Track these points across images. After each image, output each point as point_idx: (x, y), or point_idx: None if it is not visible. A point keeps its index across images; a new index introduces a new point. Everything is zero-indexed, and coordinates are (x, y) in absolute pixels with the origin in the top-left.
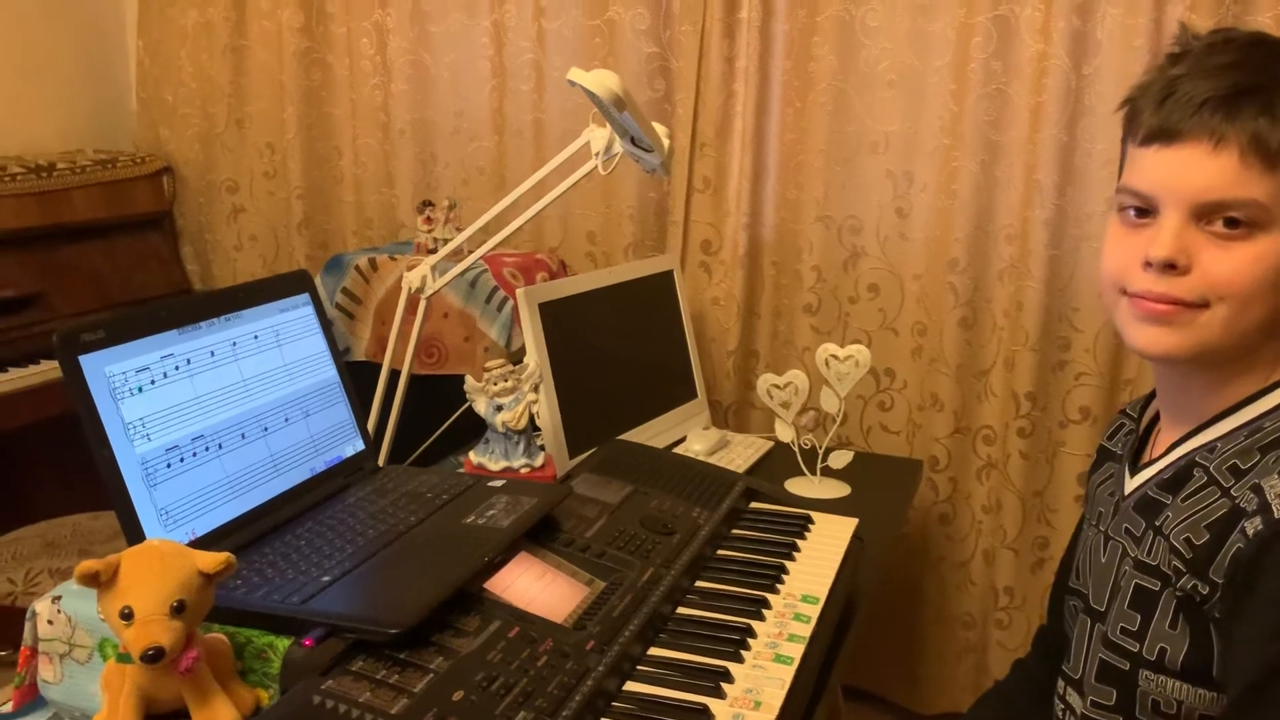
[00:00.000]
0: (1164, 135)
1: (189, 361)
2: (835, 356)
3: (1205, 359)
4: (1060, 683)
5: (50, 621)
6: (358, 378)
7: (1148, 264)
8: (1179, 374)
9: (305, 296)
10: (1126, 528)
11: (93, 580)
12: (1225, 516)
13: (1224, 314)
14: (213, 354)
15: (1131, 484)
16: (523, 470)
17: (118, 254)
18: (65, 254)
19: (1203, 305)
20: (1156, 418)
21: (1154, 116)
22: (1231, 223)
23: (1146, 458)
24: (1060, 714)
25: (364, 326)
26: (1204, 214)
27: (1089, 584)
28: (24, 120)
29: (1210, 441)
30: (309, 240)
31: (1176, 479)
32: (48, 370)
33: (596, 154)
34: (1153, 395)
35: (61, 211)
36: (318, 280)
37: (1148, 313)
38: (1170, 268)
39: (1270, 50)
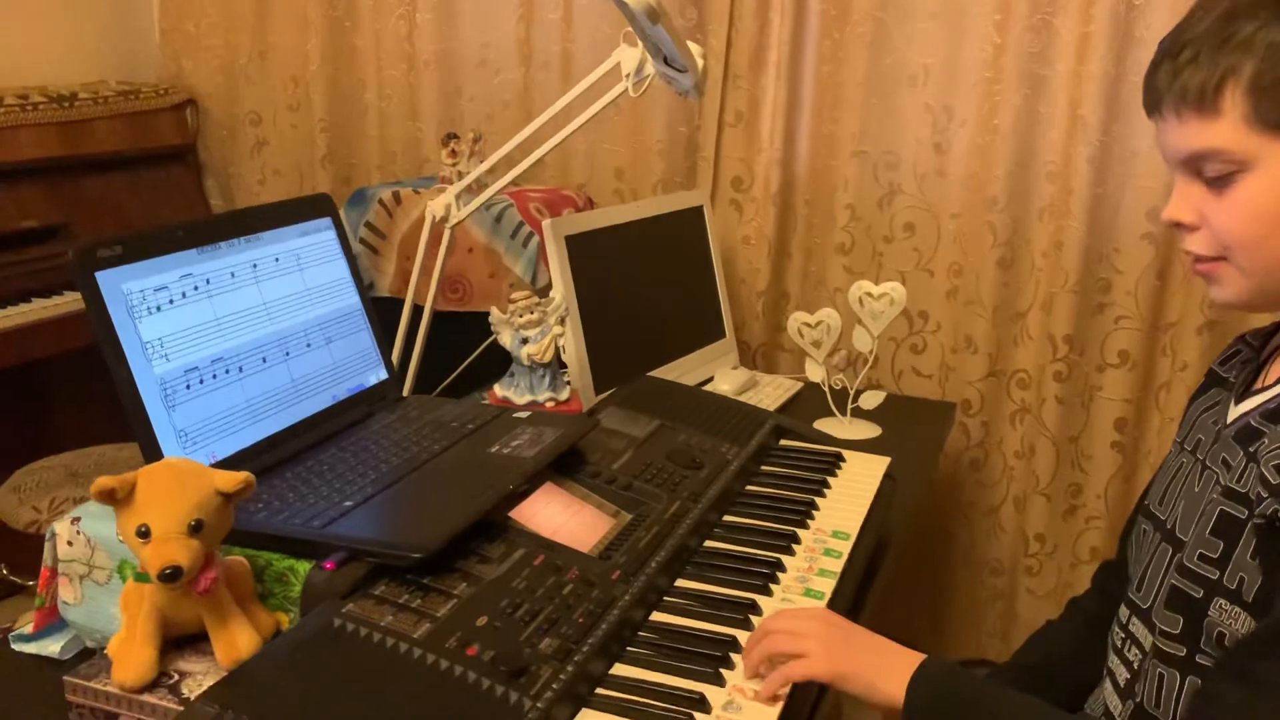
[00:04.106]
0: (1144, 106)
1: (208, 282)
2: (870, 294)
3: (1265, 306)
4: (1124, 610)
5: (70, 542)
6: (383, 314)
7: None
8: None
9: (327, 220)
10: (1224, 457)
11: (109, 497)
12: None
13: (1241, 261)
14: (233, 275)
15: (1235, 412)
16: (548, 404)
17: (141, 187)
18: (88, 186)
19: (1221, 258)
20: None
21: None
22: (1215, 174)
23: (1259, 385)
24: (1119, 644)
25: (388, 262)
26: (1193, 173)
27: (1176, 512)
28: (46, 52)
29: None
30: (333, 175)
31: None
32: (71, 301)
33: (627, 75)
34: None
35: (83, 142)
36: (340, 214)
37: (1193, 272)
38: (1179, 227)
39: None
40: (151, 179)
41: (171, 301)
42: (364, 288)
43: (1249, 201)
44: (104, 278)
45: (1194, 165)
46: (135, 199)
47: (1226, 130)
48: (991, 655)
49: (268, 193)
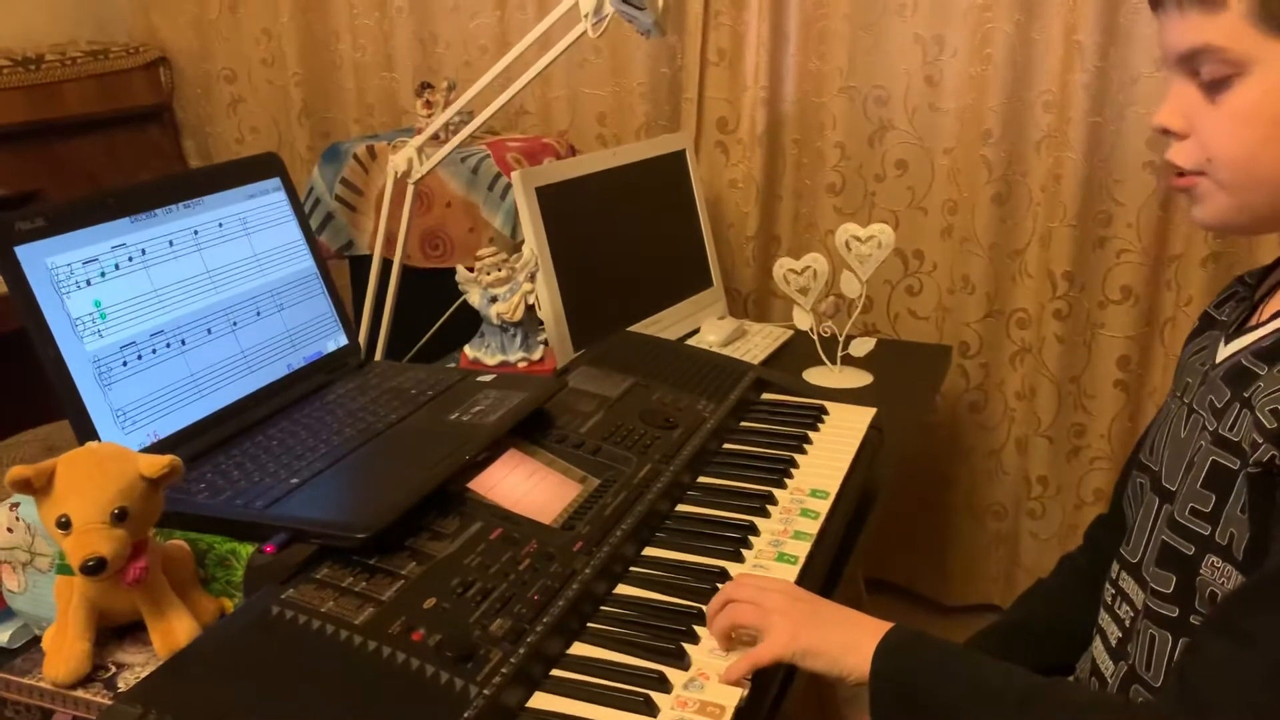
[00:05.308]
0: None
1: (144, 252)
2: (856, 237)
3: (1247, 227)
4: (1115, 566)
5: (10, 529)
6: (364, 274)
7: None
8: None
9: (275, 181)
10: (1211, 399)
11: (25, 487)
12: None
13: (1221, 175)
14: (171, 244)
15: (1224, 351)
16: (520, 365)
17: (118, 150)
18: (62, 150)
19: (1201, 172)
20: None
21: None
22: (1211, 76)
23: (1254, 323)
24: (1110, 600)
25: (366, 219)
26: (1189, 74)
27: (1163, 460)
28: (10, 11)
29: None
30: (310, 130)
31: (1278, 347)
32: None
33: (586, 15)
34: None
35: (54, 106)
36: (316, 171)
37: (1173, 188)
38: (1167, 133)
39: None
40: (128, 141)
41: (103, 274)
42: (318, 250)
43: (1242, 108)
44: (25, 252)
45: (1191, 64)
46: (111, 162)
47: (1228, 26)
48: (995, 599)
49: (247, 151)
